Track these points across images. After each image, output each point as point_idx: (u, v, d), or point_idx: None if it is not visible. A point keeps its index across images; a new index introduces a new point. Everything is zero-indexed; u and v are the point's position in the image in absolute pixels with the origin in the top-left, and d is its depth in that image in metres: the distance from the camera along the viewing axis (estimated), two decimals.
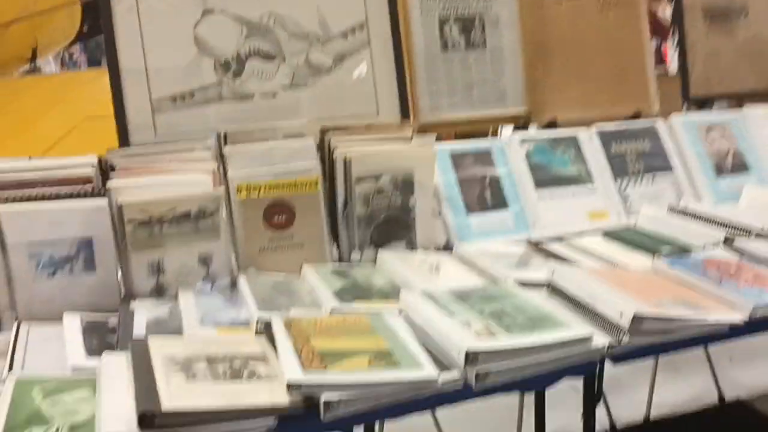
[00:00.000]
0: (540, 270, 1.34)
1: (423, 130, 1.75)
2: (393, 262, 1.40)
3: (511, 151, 1.69)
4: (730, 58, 2.17)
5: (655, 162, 1.77)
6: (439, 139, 1.97)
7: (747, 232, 1.46)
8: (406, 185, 1.48)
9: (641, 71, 2.01)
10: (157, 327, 1.21)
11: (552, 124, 1.90)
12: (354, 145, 1.46)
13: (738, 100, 2.18)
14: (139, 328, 1.20)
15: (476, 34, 1.81)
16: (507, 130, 1.88)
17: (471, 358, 0.98)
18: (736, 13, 2.19)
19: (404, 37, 1.72)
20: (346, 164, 1.44)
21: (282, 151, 1.43)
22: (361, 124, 1.51)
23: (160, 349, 1.04)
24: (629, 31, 2.01)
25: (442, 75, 1.78)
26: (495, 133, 2.59)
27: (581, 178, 1.70)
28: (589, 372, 1.07)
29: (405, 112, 1.66)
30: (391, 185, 1.47)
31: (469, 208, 1.60)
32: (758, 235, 1.45)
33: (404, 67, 1.66)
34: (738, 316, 1.11)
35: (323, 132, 1.49)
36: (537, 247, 1.52)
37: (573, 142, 1.74)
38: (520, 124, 1.86)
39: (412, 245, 1.50)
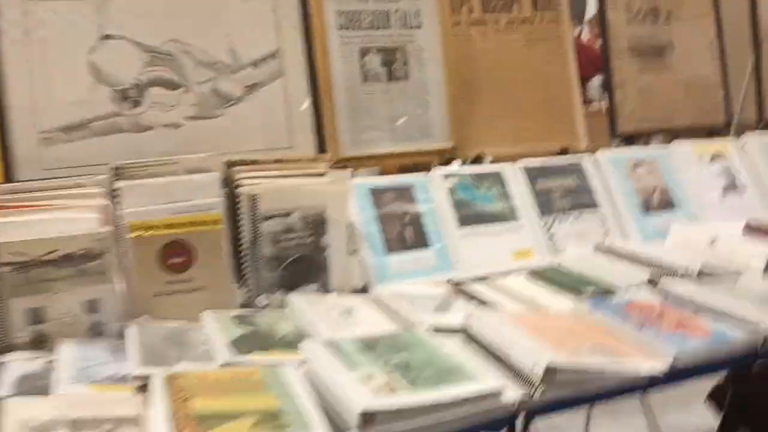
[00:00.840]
0: (459, 314, 1.26)
1: (343, 164, 1.67)
2: (303, 306, 1.30)
3: (433, 187, 1.62)
4: (663, 93, 2.18)
5: (582, 199, 1.72)
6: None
7: (672, 272, 1.42)
8: (318, 223, 1.39)
9: (569, 107, 1.99)
10: (27, 384, 1.07)
11: (478, 160, 1.85)
12: (261, 180, 1.37)
13: (673, 135, 2.17)
14: (6, 386, 1.07)
15: (399, 66, 1.75)
16: (453, 165, 1.80)
17: (367, 418, 0.88)
18: (664, 50, 2.20)
19: (322, 68, 1.64)
20: (252, 200, 1.34)
21: (181, 186, 1.32)
22: (271, 157, 1.42)
23: (17, 412, 0.91)
24: (556, 66, 1.99)
25: (363, 108, 1.71)
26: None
27: (506, 216, 1.64)
28: (501, 428, 0.98)
29: (322, 146, 1.58)
30: (301, 223, 1.38)
31: (389, 247, 1.51)
32: (683, 276, 1.40)
33: (320, 99, 1.58)
34: (658, 365, 1.04)
35: (229, 166, 1.39)
36: (459, 288, 1.44)
37: (498, 179, 1.68)
38: (446, 159, 1.79)
39: (325, 287, 1.41)
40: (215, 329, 1.20)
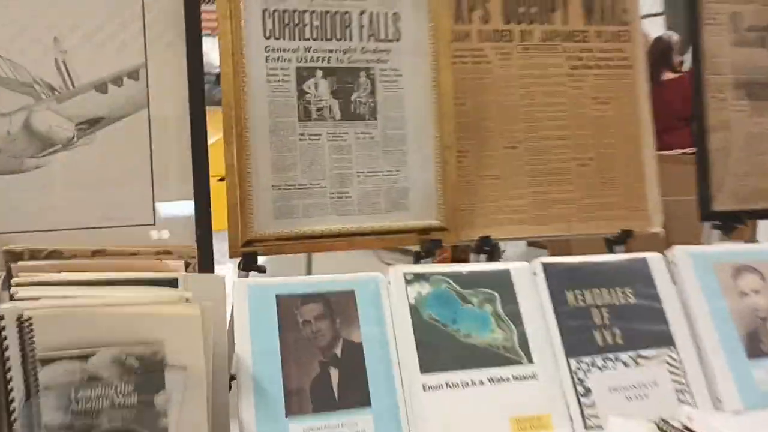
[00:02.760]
0: None
1: (254, 247, 1.11)
2: None
3: (391, 298, 1.03)
4: None
5: (642, 327, 1.09)
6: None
7: None
8: (149, 370, 0.82)
9: (635, 168, 1.36)
10: None
11: (482, 248, 1.25)
12: (54, 290, 0.82)
13: None
14: None
15: (361, 97, 1.18)
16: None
17: None
18: None
19: (231, 96, 1.09)
20: (23, 329, 0.78)
21: None
22: (87, 248, 0.87)
23: None
24: (619, 104, 1.37)
25: (297, 160, 1.14)
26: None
27: (508, 354, 1.02)
28: None
29: (205, 222, 1.02)
30: (116, 371, 0.81)
31: (294, 407, 0.93)
32: None
33: (206, 146, 1.02)
34: None
35: (11, 260, 0.84)
36: None
37: (501, 284, 1.08)
38: (428, 245, 1.20)
39: None
40: None
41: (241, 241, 1.10)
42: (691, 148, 2.84)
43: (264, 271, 1.13)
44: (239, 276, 1.12)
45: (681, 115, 3.04)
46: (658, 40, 3.41)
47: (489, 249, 1.25)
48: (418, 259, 1.20)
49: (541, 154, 1.31)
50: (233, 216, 1.09)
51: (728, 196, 1.42)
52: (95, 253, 0.86)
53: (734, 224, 1.37)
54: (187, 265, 0.89)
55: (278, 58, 1.14)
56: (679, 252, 1.17)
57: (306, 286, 1.02)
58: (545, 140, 1.31)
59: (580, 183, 1.32)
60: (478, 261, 1.24)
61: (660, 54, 3.23)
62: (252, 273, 1.12)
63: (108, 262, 0.85)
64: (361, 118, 1.18)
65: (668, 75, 3.19)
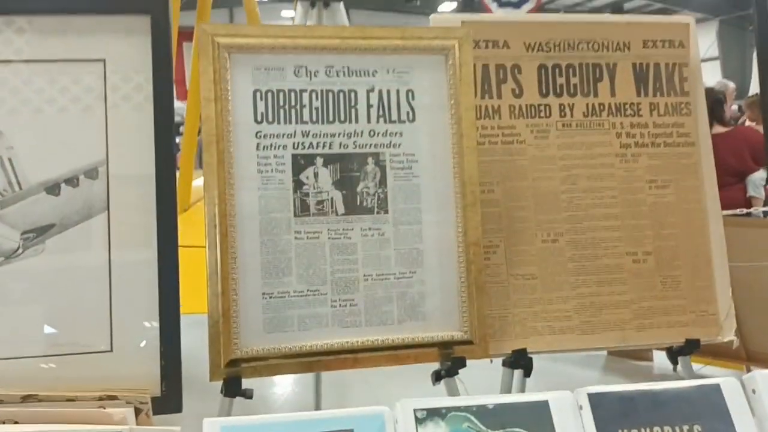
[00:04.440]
0: None
1: (239, 368, 0.95)
2: None
3: None
4: None
5: None
6: None
7: None
8: None
9: (701, 263, 1.17)
10: None
11: (518, 362, 1.07)
12: None
13: None
14: None
15: (368, 187, 1.03)
16: None
17: None
18: None
19: (215, 190, 0.95)
20: None
21: None
22: (15, 392, 0.72)
23: None
24: (679, 189, 1.20)
25: (292, 263, 0.99)
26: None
27: None
28: None
29: (172, 350, 0.87)
30: None
31: None
32: None
33: (176, 256, 0.88)
34: None
35: None
36: None
37: (537, 422, 0.89)
38: (449, 362, 1.02)
39: None
40: None
41: (223, 361, 0.95)
42: (743, 209, 2.64)
43: (251, 397, 0.98)
44: (222, 403, 0.97)
45: (734, 171, 2.91)
46: (710, 91, 3.19)
47: (525, 365, 1.07)
48: (437, 379, 1.03)
49: (587, 248, 1.13)
50: (214, 332, 0.95)
51: None
52: (25, 399, 0.72)
53: None
54: (138, 412, 0.74)
55: (271, 145, 1.00)
56: (760, 377, 0.96)
57: (292, 427, 0.85)
58: (592, 232, 1.13)
59: (636, 283, 1.13)
60: (509, 382, 1.06)
61: (710, 107, 3.01)
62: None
63: (40, 411, 0.71)
64: (368, 211, 1.03)
65: (718, 129, 2.97)
